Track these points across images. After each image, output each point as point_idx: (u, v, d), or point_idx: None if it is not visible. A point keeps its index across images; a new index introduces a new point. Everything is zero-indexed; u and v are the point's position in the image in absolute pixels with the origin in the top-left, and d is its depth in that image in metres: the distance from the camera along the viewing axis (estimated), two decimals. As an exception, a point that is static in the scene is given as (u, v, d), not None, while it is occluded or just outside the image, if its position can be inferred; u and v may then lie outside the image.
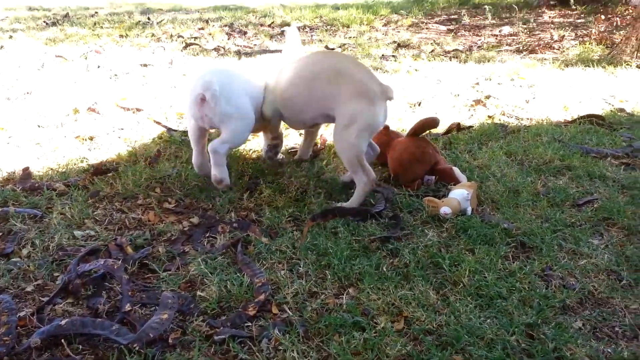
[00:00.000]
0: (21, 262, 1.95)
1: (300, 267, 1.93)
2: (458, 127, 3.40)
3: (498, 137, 3.35)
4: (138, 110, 3.89)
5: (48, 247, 2.05)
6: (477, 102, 4.07)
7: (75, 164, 2.85)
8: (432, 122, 2.72)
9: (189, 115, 2.54)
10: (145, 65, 5.50)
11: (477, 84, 4.74)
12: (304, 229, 2.14)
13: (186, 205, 2.46)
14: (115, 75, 5.08)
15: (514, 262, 1.98)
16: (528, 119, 3.81)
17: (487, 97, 4.27)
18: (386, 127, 2.84)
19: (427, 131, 2.79)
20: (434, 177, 2.63)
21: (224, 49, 6.59)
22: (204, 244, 2.13)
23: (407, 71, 5.19)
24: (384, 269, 1.90)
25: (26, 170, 2.69)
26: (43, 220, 2.25)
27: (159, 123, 3.44)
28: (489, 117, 3.76)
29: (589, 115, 3.68)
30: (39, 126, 3.54)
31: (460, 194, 2.33)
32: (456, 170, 2.66)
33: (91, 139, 3.27)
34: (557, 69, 5.37)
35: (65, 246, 2.06)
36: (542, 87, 4.68)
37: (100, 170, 2.72)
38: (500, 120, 3.73)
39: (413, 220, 2.30)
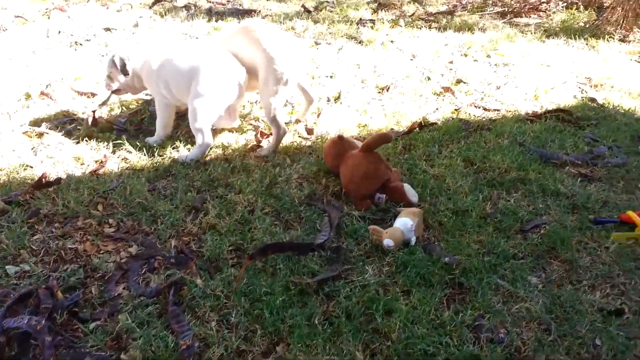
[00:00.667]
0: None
1: (232, 316, 1.92)
2: (420, 126, 3.30)
3: (460, 136, 3.26)
4: (93, 95, 3.73)
5: (-24, 289, 2.01)
6: (446, 89, 3.94)
7: (18, 173, 2.75)
8: (386, 138, 2.63)
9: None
10: (109, 29, 5.23)
11: (452, 62, 4.56)
12: (240, 269, 2.11)
13: (127, 228, 2.41)
14: (76, 42, 4.84)
15: (448, 309, 1.98)
16: (495, 110, 3.70)
17: (458, 81, 4.13)
18: (340, 137, 2.76)
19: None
20: (384, 195, 2.58)
21: (195, 6, 6.26)
22: (139, 282, 2.10)
23: (382, 43, 4.98)
24: (316, 321, 1.89)
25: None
26: (-24, 251, 2.20)
27: (109, 122, 3.29)
28: (455, 110, 3.64)
29: (556, 110, 3.57)
30: (-14, 116, 3.40)
31: (404, 223, 2.28)
32: (407, 188, 2.60)
33: (40, 136, 3.15)
34: (538, 41, 5.16)
35: (-5, 286, 2.03)
36: (518, 66, 4.51)
37: (41, 183, 2.64)
38: (466, 113, 3.61)
39: (357, 250, 2.27)
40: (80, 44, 4.80)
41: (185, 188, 2.69)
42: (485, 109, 3.70)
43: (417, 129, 3.27)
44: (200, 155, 2.97)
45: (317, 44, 4.96)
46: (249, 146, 3.13)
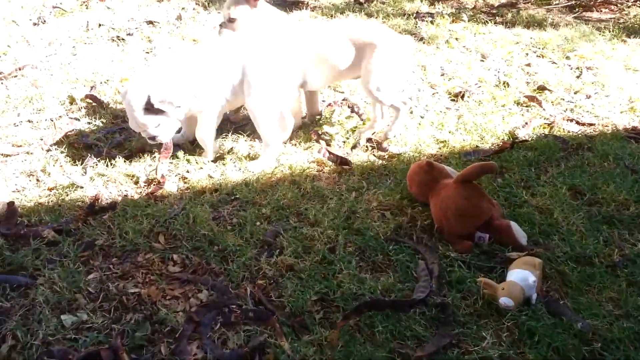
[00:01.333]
0: (-1, 371, 1.64)
1: (329, 395, 1.60)
2: (512, 145, 2.91)
3: (558, 157, 2.86)
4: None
5: (32, 345, 1.72)
6: (531, 98, 3.51)
7: (67, 194, 2.46)
8: (489, 169, 2.26)
9: None
10: (151, 22, 4.91)
11: (529, 65, 4.12)
12: (332, 330, 1.78)
13: (194, 266, 2.10)
14: (118, 37, 4.54)
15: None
16: (590, 125, 3.28)
17: (541, 89, 3.70)
18: (428, 163, 2.40)
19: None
20: (487, 235, 2.21)
21: (239, -3, 5.88)
22: (214, 339, 1.79)
23: (447, 41, 4.55)
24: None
25: (11, 206, 2.32)
26: (28, 294, 1.92)
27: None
28: (547, 125, 3.22)
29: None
30: (30, 122, 3.13)
31: (524, 278, 1.92)
32: (514, 227, 2.23)
33: (88, 148, 2.86)
34: (618, 41, 4.67)
35: (51, 341, 1.74)
36: (603, 70, 4.05)
37: (95, 209, 2.34)
38: (559, 128, 3.20)
39: (465, 307, 1.92)
40: (122, 39, 4.50)
41: (254, 217, 2.36)
42: (578, 123, 3.27)
43: (509, 148, 2.87)
44: (272, 161, 2.77)
45: (375, 41, 4.55)
46: (319, 162, 2.80)
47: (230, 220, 2.37)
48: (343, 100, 3.46)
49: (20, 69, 3.77)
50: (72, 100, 3.37)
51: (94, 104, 3.36)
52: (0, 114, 3.17)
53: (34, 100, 3.34)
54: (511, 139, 3.02)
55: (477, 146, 2.99)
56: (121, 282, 2.00)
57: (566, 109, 3.47)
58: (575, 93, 3.70)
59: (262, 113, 2.69)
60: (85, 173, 2.61)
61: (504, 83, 3.77)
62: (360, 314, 1.83)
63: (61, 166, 2.67)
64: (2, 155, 2.77)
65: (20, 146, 2.86)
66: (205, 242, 2.21)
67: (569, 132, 3.16)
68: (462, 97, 3.56)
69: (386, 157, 2.90)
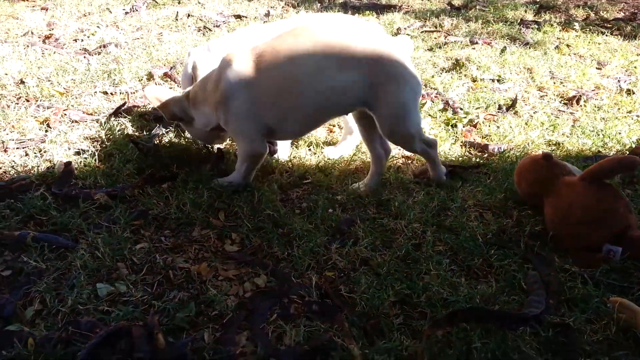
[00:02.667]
0: (19, 336, 1.39)
1: (410, 423, 1.20)
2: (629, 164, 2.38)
3: None
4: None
5: (58, 312, 1.47)
6: (664, 106, 2.96)
7: (128, 162, 2.26)
8: (631, 164, 1.78)
9: None
10: (239, 17, 4.82)
11: (657, 74, 3.54)
12: (417, 342, 1.39)
13: (254, 248, 1.79)
14: (205, 27, 4.46)
15: None
16: None
17: (675, 97, 3.12)
18: (547, 156, 1.95)
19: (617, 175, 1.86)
20: (620, 249, 1.73)
21: (330, -1, 5.72)
22: (268, 332, 1.45)
23: (557, 47, 4.06)
24: None
25: (68, 166, 2.15)
26: (67, 256, 1.68)
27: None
28: (686, 135, 2.66)
29: None
30: (105, 93, 3.01)
31: (677, 302, 1.43)
32: (652, 239, 1.73)
33: (158, 120, 2.67)
34: None
35: (81, 311, 1.48)
36: None
37: (155, 177, 2.11)
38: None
39: (591, 332, 1.46)
40: (209, 29, 4.41)
41: (327, 203, 2.03)
42: None
43: (640, 155, 2.35)
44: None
45: (472, 42, 4.16)
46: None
47: (300, 204, 2.06)
48: (437, 94, 3.09)
49: (104, 47, 3.73)
50: (150, 77, 3.25)
51: (171, 82, 3.21)
52: (78, 84, 3.08)
53: (113, 74, 3.24)
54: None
55: (599, 151, 2.49)
56: (170, 255, 1.73)
57: None
58: None
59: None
60: (151, 142, 2.39)
61: (627, 91, 3.23)
62: (454, 324, 1.42)
63: (127, 133, 2.48)
64: (71, 121, 2.64)
65: (91, 114, 2.73)
66: (270, 223, 1.90)
67: None
68: (577, 101, 3.07)
69: (485, 156, 2.48)
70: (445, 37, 4.33)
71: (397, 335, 1.42)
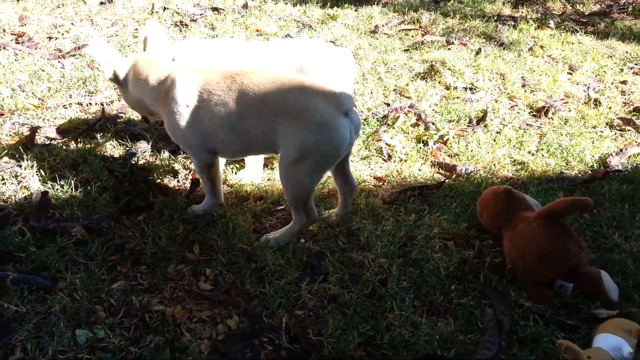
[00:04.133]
0: (1, 387, 1.47)
1: None
2: (604, 175, 2.50)
3: (659, 195, 2.43)
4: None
5: (39, 361, 1.55)
6: (626, 121, 3.07)
7: (104, 189, 2.29)
8: (584, 206, 1.90)
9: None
10: (216, 9, 4.76)
11: (624, 82, 3.64)
12: (378, 387, 1.50)
13: (227, 285, 1.87)
14: (181, 22, 4.41)
15: None
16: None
17: (637, 110, 3.23)
18: (506, 191, 2.06)
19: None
20: (571, 285, 1.85)
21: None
22: (239, 378, 1.55)
23: (531, 49, 4.12)
24: None
25: (45, 196, 2.18)
26: (47, 299, 1.75)
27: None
28: (644, 154, 2.78)
29: None
30: (80, 104, 3.01)
31: (616, 347, 1.57)
32: (605, 277, 1.86)
33: (134, 137, 2.70)
34: None
35: None
36: None
37: (130, 208, 2.16)
38: (659, 159, 2.75)
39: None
40: (185, 24, 4.37)
41: (301, 235, 2.11)
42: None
43: (600, 178, 2.48)
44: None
45: (448, 42, 4.20)
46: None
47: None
48: (410, 106, 3.15)
49: (79, 48, 3.69)
50: (126, 86, 3.24)
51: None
52: (52, 94, 3.08)
53: (88, 82, 3.23)
54: (603, 168, 2.62)
55: (561, 172, 2.60)
56: (146, 295, 1.80)
57: (668, 135, 3.00)
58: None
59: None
60: (126, 164, 2.43)
61: (595, 101, 3.33)
62: (411, 372, 1.54)
63: (102, 156, 2.51)
64: (46, 138, 2.66)
65: (67, 130, 2.74)
66: (243, 257, 1.98)
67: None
68: (546, 113, 3.16)
69: (453, 176, 2.57)
70: (423, 36, 4.36)
71: (359, 381, 1.53)
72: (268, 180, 2.47)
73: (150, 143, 2.62)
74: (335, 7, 5.02)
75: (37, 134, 2.64)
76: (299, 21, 4.55)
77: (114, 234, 2.05)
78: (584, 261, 1.89)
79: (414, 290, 1.88)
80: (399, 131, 2.88)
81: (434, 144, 2.79)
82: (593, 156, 2.74)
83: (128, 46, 3.82)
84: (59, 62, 3.50)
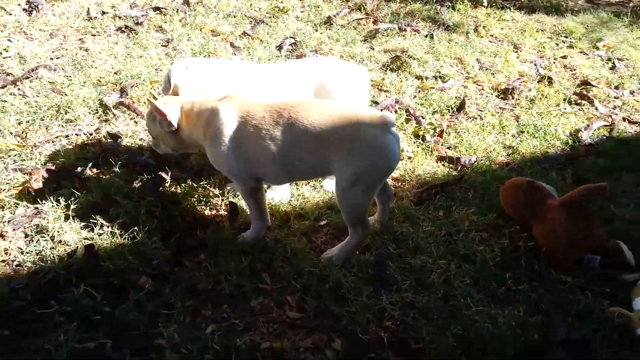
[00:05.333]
0: None
1: None
2: (587, 152, 2.88)
3: (628, 163, 2.86)
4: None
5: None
6: (581, 96, 3.49)
7: (145, 230, 2.24)
8: (600, 192, 2.21)
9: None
10: (158, 9, 4.52)
11: (564, 57, 4.09)
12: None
13: (312, 309, 1.97)
14: (127, 27, 4.15)
15: None
16: (643, 124, 3.30)
17: (585, 84, 3.68)
18: (529, 183, 2.33)
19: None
20: (598, 257, 2.19)
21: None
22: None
23: (475, 30, 4.44)
24: None
25: (91, 250, 2.10)
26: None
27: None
28: (605, 127, 3.21)
29: None
30: (67, 137, 2.82)
31: (656, 306, 1.92)
32: (623, 246, 2.21)
33: (144, 168, 2.61)
34: (637, 27, 4.71)
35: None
36: (635, 62, 4.08)
37: (184, 248, 2.15)
38: (619, 129, 3.19)
39: (608, 344, 1.88)
40: (132, 29, 4.13)
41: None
42: (631, 122, 3.29)
43: (583, 155, 2.85)
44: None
45: (400, 30, 4.40)
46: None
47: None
48: (396, 102, 3.33)
49: (33, 70, 3.39)
50: (105, 109, 3.07)
51: (129, 111, 3.07)
52: (30, 129, 2.84)
53: (62, 109, 3.01)
54: (577, 143, 3.00)
55: (547, 152, 2.95)
56: (245, 335, 1.85)
57: (615, 106, 3.48)
58: (616, 88, 3.71)
59: None
60: (159, 204, 2.37)
61: (547, 78, 3.72)
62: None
63: (126, 193, 2.42)
64: (48, 180, 2.48)
65: (68, 169, 2.58)
66: (314, 279, 2.08)
67: (631, 134, 3.17)
68: (511, 94, 3.50)
69: (459, 168, 2.81)
70: (374, 24, 4.51)
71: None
72: (298, 196, 2.54)
73: (169, 174, 2.56)
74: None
75: (39, 177, 2.47)
76: (249, 17, 4.48)
77: (180, 278, 2.04)
78: (604, 237, 2.22)
79: (476, 285, 2.11)
80: (397, 129, 3.05)
81: (431, 137, 3.00)
82: (564, 132, 3.12)
83: (84, 60, 3.56)
84: (18, 89, 3.20)
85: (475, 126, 3.15)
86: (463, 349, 1.85)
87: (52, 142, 2.78)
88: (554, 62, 4.00)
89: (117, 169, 2.57)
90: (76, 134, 2.84)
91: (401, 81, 3.56)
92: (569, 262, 2.18)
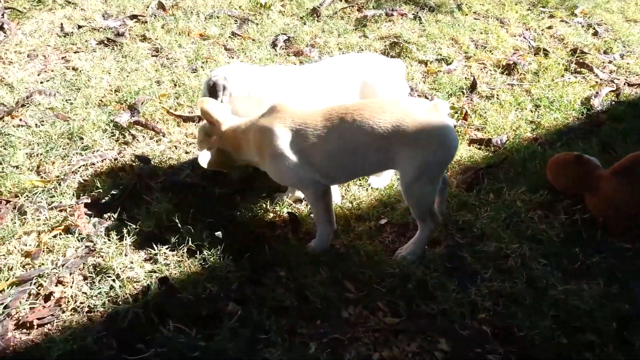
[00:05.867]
0: None
1: None
2: (605, 118, 3.00)
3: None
4: (199, 118, 3.03)
5: None
6: (581, 65, 3.62)
7: (217, 251, 2.16)
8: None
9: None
10: (135, 17, 4.30)
11: (550, 27, 4.22)
12: None
13: (406, 312, 1.96)
14: (108, 39, 3.93)
15: None
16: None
17: (575, 51, 3.82)
18: (578, 157, 2.40)
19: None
20: (653, 220, 2.30)
21: None
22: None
23: (458, 8, 4.50)
24: None
25: (166, 283, 2.00)
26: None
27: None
28: (612, 92, 3.35)
29: None
30: (93, 165, 2.66)
31: None
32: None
33: (188, 188, 2.51)
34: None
35: None
36: (613, 26, 4.27)
37: (258, 264, 2.09)
38: (624, 93, 3.34)
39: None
40: (115, 41, 3.91)
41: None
42: (630, 85, 3.45)
43: (602, 123, 2.96)
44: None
45: (387, 15, 4.39)
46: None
47: (396, 248, 2.24)
48: (410, 89, 3.33)
49: (27, 98, 3.15)
50: (121, 130, 2.91)
51: (147, 130, 2.92)
52: (46, 162, 2.65)
53: (75, 136, 2.83)
54: (590, 111, 3.12)
55: (567, 123, 3.05)
56: (351, 348, 1.83)
57: (611, 71, 3.63)
58: (605, 53, 3.87)
59: None
60: (221, 224, 2.28)
61: (543, 50, 3.83)
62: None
63: (185, 219, 2.31)
64: (89, 215, 2.34)
65: (106, 202, 2.43)
66: (397, 279, 2.07)
67: (630, 95, 3.32)
68: (514, 69, 3.58)
69: (492, 149, 2.86)
70: (360, 11, 4.47)
71: None
72: (352, 197, 2.51)
73: (217, 192, 2.46)
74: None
75: (80, 213, 2.32)
76: (233, 16, 4.34)
77: (263, 297, 1.98)
78: (654, 200, 2.33)
79: (547, 264, 2.16)
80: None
81: (457, 121, 3.04)
82: (576, 102, 3.23)
83: (77, 80, 3.35)
84: (19, 120, 2.98)
85: (492, 105, 3.20)
86: (561, 330, 1.90)
87: (77, 172, 2.61)
88: (542, 34, 4.12)
89: (158, 193, 2.45)
90: (101, 161, 2.68)
91: (409, 68, 3.57)
92: (627, 228, 2.27)
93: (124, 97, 3.19)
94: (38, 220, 2.31)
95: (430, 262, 2.15)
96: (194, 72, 3.50)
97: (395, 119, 1.97)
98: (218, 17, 4.30)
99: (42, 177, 2.56)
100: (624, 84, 3.46)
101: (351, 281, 2.08)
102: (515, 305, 1.98)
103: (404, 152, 1.99)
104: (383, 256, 2.18)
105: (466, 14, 4.42)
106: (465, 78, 3.48)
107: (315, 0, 4.66)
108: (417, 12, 4.41)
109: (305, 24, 4.23)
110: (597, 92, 3.28)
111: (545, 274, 2.09)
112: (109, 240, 2.20)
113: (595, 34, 4.17)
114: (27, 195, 2.44)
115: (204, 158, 2.18)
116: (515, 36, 4.10)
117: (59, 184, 2.51)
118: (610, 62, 3.73)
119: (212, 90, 2.36)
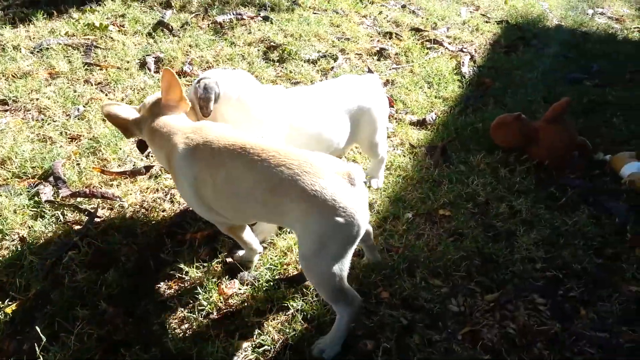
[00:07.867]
0: None
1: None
2: (490, 81, 3.60)
3: (502, 76, 3.72)
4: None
5: None
6: (434, 41, 4.19)
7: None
8: (568, 103, 2.88)
9: None
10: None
11: (380, 13, 4.71)
12: None
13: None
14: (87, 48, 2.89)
15: None
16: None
17: (416, 30, 4.40)
18: (518, 117, 2.87)
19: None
20: (576, 152, 2.94)
21: None
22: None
23: (298, 5, 4.64)
24: None
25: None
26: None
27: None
28: (471, 60, 4.00)
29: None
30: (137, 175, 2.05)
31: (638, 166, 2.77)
32: (584, 140, 3.00)
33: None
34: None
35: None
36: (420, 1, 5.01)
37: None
38: (478, 59, 4.03)
39: None
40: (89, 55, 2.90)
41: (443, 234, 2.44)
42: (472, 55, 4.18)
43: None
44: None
45: (239, 19, 4.27)
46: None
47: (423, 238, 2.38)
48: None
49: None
50: (57, 207, 2.25)
51: (90, 200, 2.33)
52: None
53: (98, 152, 2.09)
54: (464, 79, 3.71)
55: (462, 92, 3.56)
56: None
57: (450, 42, 4.32)
58: (433, 29, 4.56)
59: None
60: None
61: (395, 35, 4.29)
62: None
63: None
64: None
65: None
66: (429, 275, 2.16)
67: (480, 58, 4.05)
68: (384, 54, 3.94)
69: (427, 127, 3.17)
70: (204, 20, 4.22)
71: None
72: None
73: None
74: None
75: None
76: (70, 45, 3.61)
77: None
78: (577, 135, 2.97)
79: (544, 208, 2.59)
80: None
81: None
82: (451, 73, 3.78)
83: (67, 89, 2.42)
84: (44, 135, 2.02)
85: (400, 90, 3.50)
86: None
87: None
88: (377, 20, 4.58)
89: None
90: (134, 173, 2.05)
91: (298, 69, 3.58)
92: (568, 163, 2.86)
93: (22, 170, 2.44)
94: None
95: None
96: (82, 120, 2.85)
97: (292, 173, 1.59)
98: (49, 48, 3.53)
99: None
100: (474, 51, 4.17)
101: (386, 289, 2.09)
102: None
103: (296, 214, 1.61)
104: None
105: (306, 10, 4.59)
106: (361, 69, 3.69)
107: (150, 15, 4.20)
108: (260, 14, 4.40)
109: (163, 39, 3.81)
110: (462, 62, 3.90)
111: (552, 218, 2.50)
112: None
113: (414, 12, 4.84)
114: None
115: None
116: (359, 25, 4.47)
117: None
118: (447, 36, 4.42)
119: (204, 93, 1.97)
